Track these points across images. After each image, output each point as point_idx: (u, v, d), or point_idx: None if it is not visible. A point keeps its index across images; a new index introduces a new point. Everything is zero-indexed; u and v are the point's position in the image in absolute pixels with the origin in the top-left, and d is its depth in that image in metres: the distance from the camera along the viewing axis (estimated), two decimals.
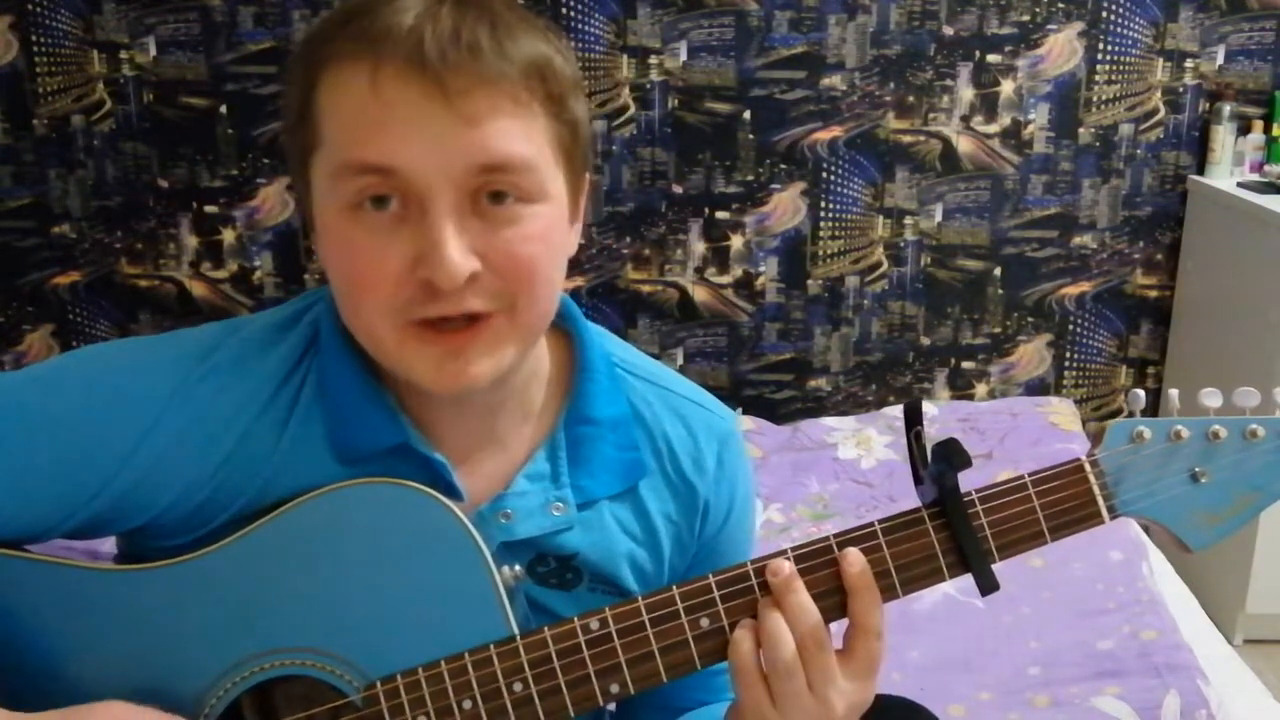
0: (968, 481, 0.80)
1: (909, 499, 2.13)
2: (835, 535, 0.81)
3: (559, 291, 0.82)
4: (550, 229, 0.77)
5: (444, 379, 0.76)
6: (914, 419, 0.82)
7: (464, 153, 0.72)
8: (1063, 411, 2.39)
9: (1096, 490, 0.82)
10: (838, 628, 0.80)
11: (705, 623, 0.80)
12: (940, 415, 2.36)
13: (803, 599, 0.78)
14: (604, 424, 0.88)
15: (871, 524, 0.81)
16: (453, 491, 0.83)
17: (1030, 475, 0.82)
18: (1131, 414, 0.83)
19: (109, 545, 0.90)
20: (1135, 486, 0.82)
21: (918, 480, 0.82)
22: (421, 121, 0.71)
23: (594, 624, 0.79)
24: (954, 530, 0.80)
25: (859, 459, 2.26)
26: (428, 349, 0.76)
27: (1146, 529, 0.94)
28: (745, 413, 2.74)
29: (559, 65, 0.77)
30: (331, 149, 0.75)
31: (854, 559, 0.79)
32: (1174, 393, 0.82)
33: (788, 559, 0.80)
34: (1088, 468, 0.82)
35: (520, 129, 0.74)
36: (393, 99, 0.72)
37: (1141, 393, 0.83)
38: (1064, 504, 0.81)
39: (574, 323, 0.90)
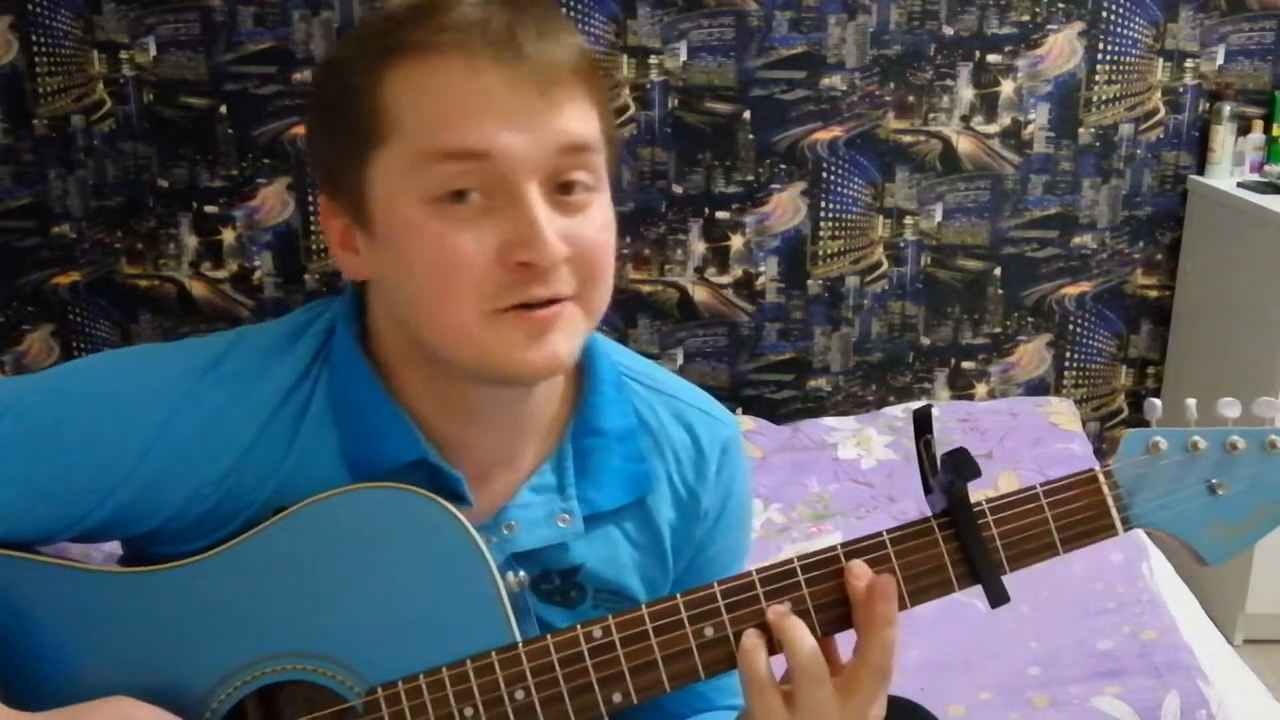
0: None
1: (909, 499, 2.14)
2: (843, 545, 0.80)
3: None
4: (611, 219, 0.80)
5: (533, 358, 0.76)
6: (924, 427, 0.81)
7: (553, 136, 0.74)
8: (1063, 411, 2.38)
9: (1110, 501, 0.80)
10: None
11: (709, 632, 0.79)
12: (940, 415, 2.36)
13: (801, 632, 0.77)
14: (611, 435, 0.88)
15: (880, 534, 0.80)
16: (464, 506, 0.82)
17: (1042, 485, 0.80)
18: (1147, 423, 0.81)
19: (112, 546, 0.90)
20: (1151, 498, 0.80)
21: (927, 489, 0.81)
22: (518, 107, 0.73)
23: (597, 632, 0.79)
24: (964, 541, 0.79)
25: (859, 459, 2.26)
26: (517, 331, 0.76)
27: (1150, 537, 0.93)
28: (745, 413, 2.74)
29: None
30: (415, 138, 0.74)
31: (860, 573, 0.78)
32: (1191, 402, 0.80)
33: (795, 567, 0.79)
34: (1102, 478, 0.80)
35: (590, 113, 0.78)
36: (491, 85, 0.73)
37: (1158, 402, 0.81)
38: (1077, 515, 0.80)
39: None
